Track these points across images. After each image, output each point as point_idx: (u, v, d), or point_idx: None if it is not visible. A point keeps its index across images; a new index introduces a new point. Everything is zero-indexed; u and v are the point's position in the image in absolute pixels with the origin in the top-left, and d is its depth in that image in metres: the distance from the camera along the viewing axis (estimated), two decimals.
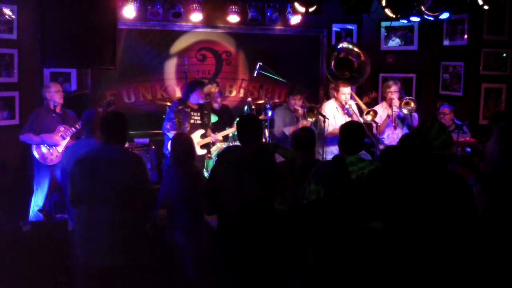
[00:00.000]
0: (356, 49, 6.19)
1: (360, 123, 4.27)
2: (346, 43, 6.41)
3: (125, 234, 3.40)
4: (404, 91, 6.36)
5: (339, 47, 6.31)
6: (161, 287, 4.10)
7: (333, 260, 3.27)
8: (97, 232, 3.37)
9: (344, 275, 3.22)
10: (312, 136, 4.29)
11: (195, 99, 5.86)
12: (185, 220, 3.97)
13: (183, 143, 4.13)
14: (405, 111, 5.78)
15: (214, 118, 6.49)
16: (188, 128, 5.84)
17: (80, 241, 3.45)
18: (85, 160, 3.49)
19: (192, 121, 5.91)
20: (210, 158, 6.23)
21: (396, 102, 5.85)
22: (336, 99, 5.91)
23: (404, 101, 5.79)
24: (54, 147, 5.46)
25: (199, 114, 5.96)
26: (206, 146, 6.10)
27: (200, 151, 5.92)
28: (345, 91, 5.81)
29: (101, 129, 3.61)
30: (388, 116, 5.93)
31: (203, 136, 5.99)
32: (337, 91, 5.88)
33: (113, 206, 3.37)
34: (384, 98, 6.13)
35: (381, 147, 6.06)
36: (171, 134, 5.78)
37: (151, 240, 3.75)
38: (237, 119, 5.83)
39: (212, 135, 6.04)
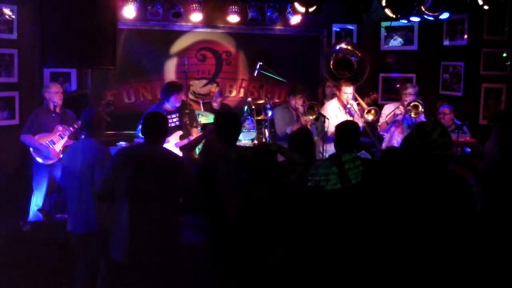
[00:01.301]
0: (355, 49, 6.19)
1: (354, 122, 4.29)
2: (344, 43, 6.42)
3: (164, 232, 3.45)
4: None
5: (337, 48, 6.31)
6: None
7: (333, 260, 3.27)
8: (137, 229, 3.41)
9: (342, 274, 3.22)
10: (308, 137, 4.30)
11: (172, 103, 5.77)
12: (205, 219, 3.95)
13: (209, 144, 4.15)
14: (412, 114, 5.74)
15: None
16: None
17: (118, 238, 3.48)
18: (128, 157, 3.55)
19: (169, 123, 5.87)
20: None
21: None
22: (339, 98, 5.90)
23: (413, 103, 5.75)
24: (51, 149, 5.44)
25: (177, 115, 5.89)
26: None
27: (179, 153, 5.85)
28: (347, 91, 5.79)
29: (143, 129, 3.68)
30: (394, 114, 5.94)
31: (182, 137, 5.90)
32: (340, 90, 5.86)
33: (155, 204, 3.42)
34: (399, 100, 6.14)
35: (383, 146, 6.06)
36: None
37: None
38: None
39: (190, 136, 5.89)
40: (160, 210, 3.44)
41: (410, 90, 5.94)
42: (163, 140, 3.73)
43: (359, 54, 6.09)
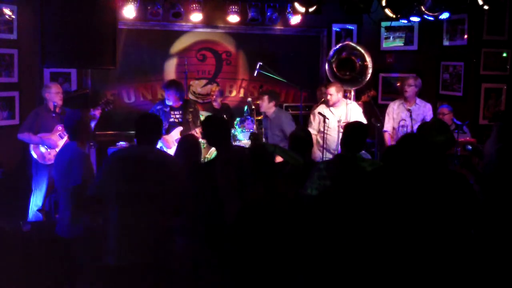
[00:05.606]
0: (361, 51, 6.21)
1: (362, 123, 4.28)
2: (351, 43, 6.43)
3: (156, 235, 3.40)
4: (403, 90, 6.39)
5: (340, 46, 6.34)
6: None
7: (334, 259, 3.27)
8: (129, 231, 3.36)
9: (345, 274, 3.22)
10: (309, 137, 4.29)
11: (169, 99, 5.92)
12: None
13: (187, 143, 4.13)
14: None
15: None
16: (166, 127, 5.90)
17: (111, 240, 3.43)
18: (121, 159, 3.51)
19: (171, 119, 5.97)
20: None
21: None
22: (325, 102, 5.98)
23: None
24: (51, 139, 5.45)
25: (180, 112, 5.99)
26: None
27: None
28: (329, 91, 5.88)
29: (135, 130, 3.60)
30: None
31: (182, 132, 5.95)
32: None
33: (148, 207, 3.37)
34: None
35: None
36: None
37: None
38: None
39: (191, 132, 5.96)
40: (153, 213, 3.38)
41: (410, 81, 6.16)
42: (156, 142, 3.68)
43: (366, 57, 6.13)
